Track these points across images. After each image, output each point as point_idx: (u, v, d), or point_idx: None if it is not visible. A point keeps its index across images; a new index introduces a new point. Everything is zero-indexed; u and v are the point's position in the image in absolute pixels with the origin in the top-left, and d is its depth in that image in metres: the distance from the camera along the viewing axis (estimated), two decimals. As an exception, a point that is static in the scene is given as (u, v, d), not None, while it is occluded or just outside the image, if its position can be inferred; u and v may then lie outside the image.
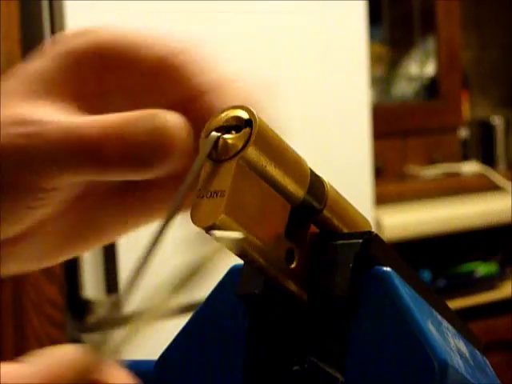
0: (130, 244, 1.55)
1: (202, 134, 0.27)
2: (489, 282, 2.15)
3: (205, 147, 0.27)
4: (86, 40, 0.32)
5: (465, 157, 2.49)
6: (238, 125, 0.27)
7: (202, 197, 0.26)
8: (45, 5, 1.40)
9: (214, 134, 0.27)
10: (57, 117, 0.30)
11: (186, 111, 0.30)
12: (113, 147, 0.29)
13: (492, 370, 0.32)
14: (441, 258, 2.17)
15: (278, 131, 0.28)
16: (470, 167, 2.32)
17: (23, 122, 0.30)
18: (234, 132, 0.27)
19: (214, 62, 0.33)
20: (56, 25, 1.40)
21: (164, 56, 0.32)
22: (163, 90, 0.32)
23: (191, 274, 0.24)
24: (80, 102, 0.32)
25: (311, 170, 0.29)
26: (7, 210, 0.30)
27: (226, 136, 0.27)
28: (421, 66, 2.53)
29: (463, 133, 2.54)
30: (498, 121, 2.54)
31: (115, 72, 0.32)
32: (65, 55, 0.32)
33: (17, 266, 0.34)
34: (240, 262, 0.28)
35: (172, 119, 0.29)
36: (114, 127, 0.29)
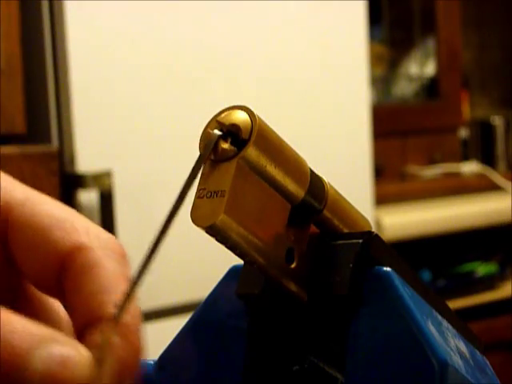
0: (130, 244, 1.55)
1: (202, 135, 0.27)
2: (489, 282, 2.15)
3: (205, 147, 0.27)
4: None
5: (465, 157, 2.49)
6: (238, 125, 0.27)
7: (202, 197, 0.26)
8: (45, 5, 1.40)
9: (214, 134, 0.27)
10: None
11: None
12: None
13: (492, 369, 0.32)
14: (441, 257, 2.17)
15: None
16: (470, 167, 2.32)
17: None
18: (234, 132, 0.27)
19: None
20: (56, 25, 1.40)
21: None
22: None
23: None
24: None
25: (311, 170, 0.29)
26: None
27: (226, 136, 0.27)
28: (421, 66, 2.53)
29: (463, 133, 2.54)
30: (498, 121, 2.54)
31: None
32: None
33: None
34: (240, 261, 0.28)
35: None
36: None
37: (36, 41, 1.42)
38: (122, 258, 0.29)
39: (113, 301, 0.26)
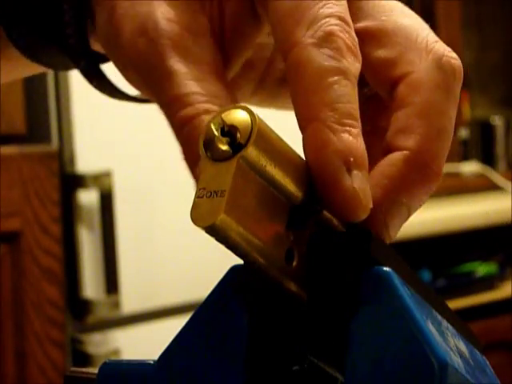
0: (130, 244, 1.55)
1: (202, 134, 0.27)
2: (489, 282, 2.15)
3: (205, 147, 0.27)
4: None
5: (465, 157, 2.49)
6: (238, 125, 0.27)
7: (202, 196, 0.26)
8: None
9: (214, 133, 0.27)
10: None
11: None
12: None
13: (492, 370, 0.32)
14: (441, 257, 2.17)
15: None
16: (470, 167, 2.32)
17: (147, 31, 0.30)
18: (234, 132, 0.27)
19: None
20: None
21: None
22: None
23: None
24: None
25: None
26: None
27: (226, 136, 0.27)
28: (421, 66, 2.52)
29: (463, 133, 2.54)
30: (498, 121, 2.54)
31: None
32: None
33: None
34: (240, 261, 0.28)
35: None
36: None
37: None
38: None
39: None
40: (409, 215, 0.30)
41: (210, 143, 0.27)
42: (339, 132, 0.27)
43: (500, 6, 2.67)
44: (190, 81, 0.30)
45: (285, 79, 0.33)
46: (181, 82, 0.30)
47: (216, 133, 0.27)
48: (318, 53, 0.28)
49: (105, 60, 0.35)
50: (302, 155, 0.29)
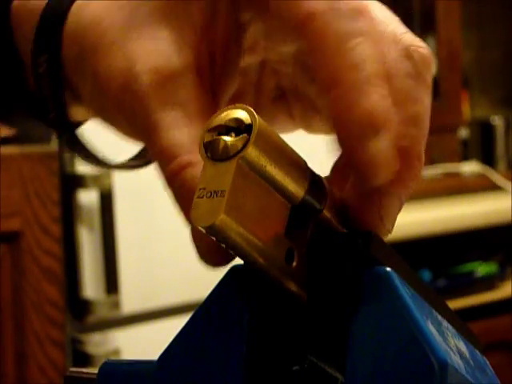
0: (130, 244, 1.55)
1: (202, 134, 0.27)
2: (489, 282, 2.15)
3: (205, 147, 0.27)
4: None
5: (465, 157, 2.49)
6: (238, 125, 0.27)
7: (202, 197, 0.26)
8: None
9: (214, 133, 0.27)
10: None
11: None
12: None
13: (492, 370, 0.32)
14: (441, 257, 2.17)
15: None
16: (470, 167, 2.32)
17: (157, 71, 0.31)
18: (234, 132, 0.27)
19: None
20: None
21: (311, 12, 0.29)
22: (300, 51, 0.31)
23: None
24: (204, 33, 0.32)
25: (311, 170, 0.29)
26: None
27: (226, 136, 0.27)
28: (421, 66, 2.52)
29: (463, 133, 2.54)
30: (498, 121, 2.54)
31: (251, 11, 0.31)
32: None
33: None
34: (240, 262, 0.28)
35: None
36: None
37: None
38: None
39: None
40: (401, 205, 0.31)
41: (210, 143, 0.27)
42: (367, 93, 0.28)
43: (500, 5, 2.67)
44: (172, 131, 0.30)
45: (278, 99, 0.33)
46: (164, 134, 0.31)
47: (216, 133, 0.27)
48: (336, 17, 0.28)
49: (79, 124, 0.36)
50: (302, 155, 0.29)
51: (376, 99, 0.28)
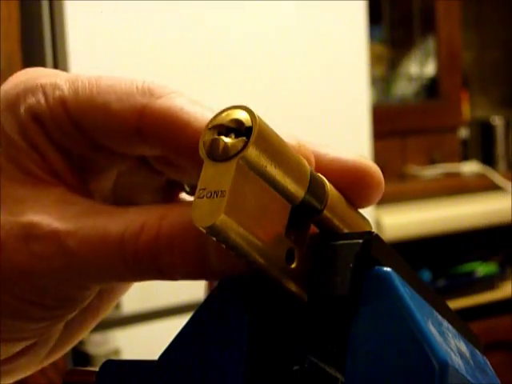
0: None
1: (203, 134, 0.27)
2: (489, 282, 2.15)
3: (205, 147, 0.27)
4: (46, 99, 0.31)
5: (465, 157, 2.49)
6: (238, 127, 0.27)
7: (202, 197, 0.26)
8: (45, 5, 1.40)
9: (214, 133, 0.27)
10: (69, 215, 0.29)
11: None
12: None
13: (492, 369, 0.32)
14: (441, 257, 2.17)
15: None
16: (470, 167, 2.32)
17: (36, 237, 0.28)
18: (234, 133, 0.27)
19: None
20: (56, 25, 1.40)
21: (140, 107, 0.30)
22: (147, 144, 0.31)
23: None
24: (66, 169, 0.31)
25: (311, 170, 0.29)
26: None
27: (226, 136, 0.27)
28: (421, 66, 2.53)
29: (463, 133, 2.54)
30: (498, 121, 2.54)
31: (89, 134, 0.31)
32: (25, 117, 0.30)
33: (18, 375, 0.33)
34: (240, 262, 0.28)
35: None
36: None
37: (36, 41, 1.42)
38: None
39: None
40: None
41: (210, 143, 0.27)
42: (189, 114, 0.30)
43: (500, 5, 2.67)
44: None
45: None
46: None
47: (216, 133, 0.27)
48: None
49: None
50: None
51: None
